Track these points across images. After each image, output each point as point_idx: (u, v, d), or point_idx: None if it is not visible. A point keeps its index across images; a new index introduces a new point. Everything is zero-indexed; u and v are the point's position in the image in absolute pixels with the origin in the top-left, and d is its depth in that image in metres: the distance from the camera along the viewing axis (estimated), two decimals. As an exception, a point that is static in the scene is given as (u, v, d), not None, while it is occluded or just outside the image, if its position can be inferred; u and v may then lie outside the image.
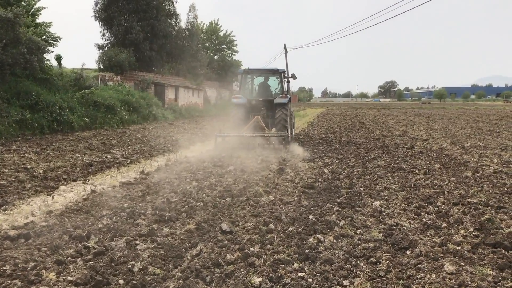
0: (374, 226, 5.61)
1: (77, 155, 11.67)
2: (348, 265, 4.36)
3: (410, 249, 4.77)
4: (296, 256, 4.61)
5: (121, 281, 3.97)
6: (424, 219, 5.81)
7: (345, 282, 4.01)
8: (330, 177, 8.73)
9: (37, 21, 21.23)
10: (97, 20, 32.82)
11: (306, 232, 5.31)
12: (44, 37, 20.13)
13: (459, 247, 4.71)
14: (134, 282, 3.94)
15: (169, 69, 38.17)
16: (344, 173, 9.21)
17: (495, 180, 8.21)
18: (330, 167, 10.00)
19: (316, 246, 4.83)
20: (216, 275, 4.12)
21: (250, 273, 4.20)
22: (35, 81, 18.37)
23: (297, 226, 5.54)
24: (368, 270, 4.25)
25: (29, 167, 9.56)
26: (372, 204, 6.59)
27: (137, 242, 4.97)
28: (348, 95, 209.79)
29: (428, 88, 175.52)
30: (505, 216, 5.87)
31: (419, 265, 4.27)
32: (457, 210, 6.19)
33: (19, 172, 9.03)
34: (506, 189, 7.49)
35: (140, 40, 31.74)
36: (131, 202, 6.81)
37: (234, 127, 13.76)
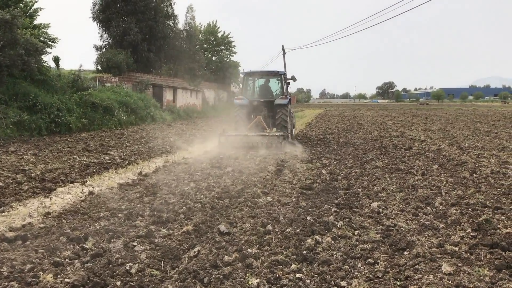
0: (372, 227, 5.61)
1: (75, 156, 11.65)
2: (346, 266, 4.36)
3: (408, 250, 4.77)
4: (294, 257, 4.61)
5: (118, 283, 3.97)
6: (421, 220, 5.82)
7: (343, 283, 4.02)
8: (328, 178, 8.73)
9: (35, 22, 21.24)
10: (95, 21, 32.82)
11: (304, 233, 5.31)
12: (42, 38, 20.13)
13: (456, 248, 4.72)
14: (131, 283, 3.93)
15: (167, 71, 38.16)
16: (342, 174, 9.22)
17: (492, 181, 8.23)
18: (328, 168, 10.01)
19: (314, 247, 4.83)
20: (213, 276, 4.11)
21: (248, 275, 4.20)
22: (33, 82, 18.35)
23: (295, 227, 5.54)
24: (366, 271, 4.25)
25: (26, 168, 9.54)
26: (370, 205, 6.59)
27: (135, 243, 4.96)
28: (346, 96, 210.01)
29: (426, 89, 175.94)
30: (503, 217, 5.88)
31: (417, 266, 4.27)
32: (454, 211, 6.20)
33: (16, 173, 9.01)
34: (503, 189, 7.51)
35: (138, 41, 31.73)
36: (129, 204, 6.80)
37: (237, 127, 14.39)
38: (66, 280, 3.97)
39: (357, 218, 5.98)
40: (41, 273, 4.13)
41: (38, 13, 22.10)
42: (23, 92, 16.99)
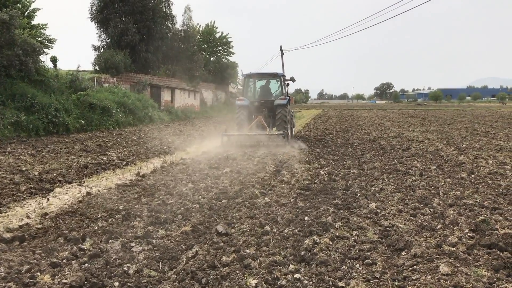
0: (369, 227, 5.61)
1: (72, 157, 11.63)
2: (344, 267, 4.36)
3: (406, 250, 4.77)
4: (292, 258, 4.61)
5: (116, 284, 3.96)
6: (419, 221, 5.82)
7: (341, 284, 4.02)
8: (326, 179, 8.74)
9: (33, 22, 21.20)
10: (93, 22, 32.80)
11: (302, 234, 5.31)
12: (39, 39, 20.09)
13: (454, 248, 4.72)
14: (129, 284, 3.93)
15: (165, 71, 38.17)
16: (340, 175, 9.22)
17: (490, 181, 8.24)
18: (326, 168, 10.01)
19: (312, 247, 4.83)
20: (211, 277, 4.11)
21: (245, 275, 4.20)
22: (30, 83, 18.32)
23: (293, 228, 5.54)
24: (364, 272, 4.25)
25: (24, 169, 9.52)
26: (367, 206, 6.60)
27: (133, 244, 4.96)
28: (344, 96, 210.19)
29: (424, 89, 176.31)
30: (500, 217, 5.89)
31: (415, 266, 4.28)
32: (452, 211, 6.21)
33: (14, 174, 8.99)
34: (501, 190, 7.52)
35: (136, 41, 31.72)
36: (126, 204, 6.79)
37: (239, 127, 15.05)
38: (64, 281, 3.96)
39: (355, 218, 5.98)
40: (38, 274, 4.13)
41: (35, 14, 22.09)
42: (21, 93, 16.96)
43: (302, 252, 4.68)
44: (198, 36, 48.79)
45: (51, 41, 21.80)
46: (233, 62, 54.14)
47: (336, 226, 5.60)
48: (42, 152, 12.29)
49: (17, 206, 6.75)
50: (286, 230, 5.44)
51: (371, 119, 31.86)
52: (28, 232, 5.32)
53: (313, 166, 10.36)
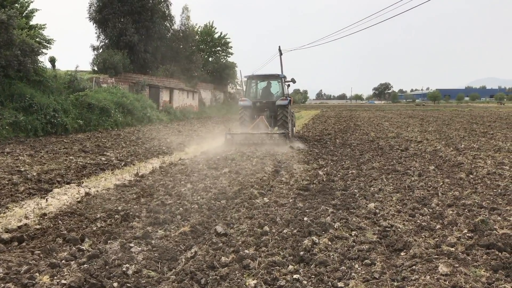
0: (368, 227, 5.62)
1: (71, 157, 11.61)
2: (343, 267, 4.36)
3: (405, 250, 4.78)
4: (291, 258, 4.61)
5: (115, 284, 3.95)
6: (418, 221, 5.83)
7: (340, 284, 4.02)
8: (325, 179, 8.74)
9: (31, 23, 21.15)
10: (92, 22, 32.79)
11: (301, 234, 5.32)
12: (37, 39, 20.05)
13: (453, 249, 4.73)
14: (128, 285, 3.92)
15: (163, 71, 38.14)
16: (338, 175, 9.23)
17: (488, 182, 8.26)
18: (325, 169, 10.02)
19: (311, 248, 4.83)
20: (211, 277, 4.11)
21: (245, 276, 4.20)
22: (28, 83, 18.29)
23: (292, 228, 5.54)
24: (363, 272, 4.25)
25: (22, 169, 9.51)
26: (366, 206, 6.60)
27: (132, 244, 4.95)
28: (342, 97, 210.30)
29: (422, 90, 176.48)
30: (499, 218, 5.90)
31: (414, 267, 4.28)
32: (451, 212, 6.22)
33: (12, 174, 8.97)
34: (499, 190, 7.54)
35: (134, 42, 31.70)
36: (125, 205, 6.78)
37: (241, 126, 15.73)
38: (63, 281, 3.95)
39: (354, 219, 5.99)
40: (37, 274, 4.12)
41: (34, 14, 22.02)
42: (19, 93, 16.94)
43: (301, 253, 4.69)
44: (197, 37, 48.79)
45: (49, 41, 21.74)
46: (232, 63, 54.15)
47: (335, 226, 5.61)
48: (41, 152, 12.27)
49: (16, 206, 6.73)
50: (285, 231, 5.44)
51: (369, 120, 31.88)
52: (27, 233, 5.31)
53: (312, 167, 10.37)
